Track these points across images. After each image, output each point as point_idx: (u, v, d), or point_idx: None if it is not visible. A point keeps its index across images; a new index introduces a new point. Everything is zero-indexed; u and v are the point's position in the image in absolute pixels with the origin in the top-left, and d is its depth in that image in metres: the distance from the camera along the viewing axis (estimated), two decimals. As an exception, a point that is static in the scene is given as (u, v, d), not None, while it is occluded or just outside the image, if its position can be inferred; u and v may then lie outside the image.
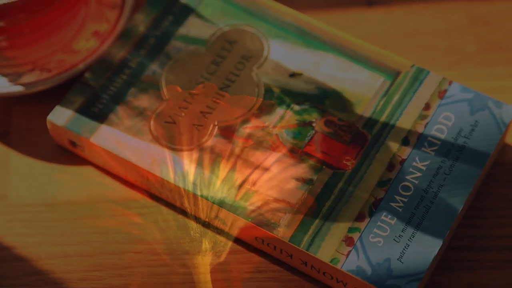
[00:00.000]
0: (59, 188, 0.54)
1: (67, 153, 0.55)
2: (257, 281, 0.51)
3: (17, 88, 0.55)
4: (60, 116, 0.53)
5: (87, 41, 0.57)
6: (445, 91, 0.53)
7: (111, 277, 0.51)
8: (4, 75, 0.56)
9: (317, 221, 0.50)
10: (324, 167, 0.51)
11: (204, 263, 0.51)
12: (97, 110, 0.54)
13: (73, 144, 0.54)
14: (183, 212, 0.53)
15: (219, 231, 0.52)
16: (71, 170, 0.54)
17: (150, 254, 0.51)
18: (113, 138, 0.52)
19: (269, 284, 0.50)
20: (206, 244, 0.51)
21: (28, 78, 0.56)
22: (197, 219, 0.52)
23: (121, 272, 0.51)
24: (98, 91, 0.54)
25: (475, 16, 0.60)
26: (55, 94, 0.56)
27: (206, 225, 0.52)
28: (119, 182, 0.53)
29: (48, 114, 0.54)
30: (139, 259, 0.51)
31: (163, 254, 0.51)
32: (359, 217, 0.50)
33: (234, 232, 0.51)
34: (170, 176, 0.51)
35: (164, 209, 0.53)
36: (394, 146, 0.52)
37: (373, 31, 0.59)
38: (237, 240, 0.52)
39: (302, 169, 0.51)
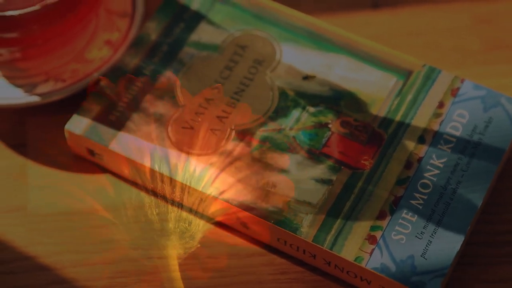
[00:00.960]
0: (78, 197, 0.54)
1: (84, 162, 0.55)
2: (281, 282, 0.51)
3: (33, 99, 0.55)
4: (78, 125, 0.54)
5: (100, 50, 0.57)
6: (458, 89, 0.54)
7: (136, 283, 0.51)
8: (19, 86, 0.56)
9: (339, 220, 0.50)
10: (342, 167, 0.52)
11: (228, 265, 0.51)
12: (114, 118, 0.54)
13: (91, 152, 0.54)
14: (202, 215, 0.53)
15: (241, 234, 0.52)
16: (89, 178, 0.54)
17: (173, 259, 0.51)
18: (132, 145, 0.53)
19: (292, 285, 0.51)
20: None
21: (43, 88, 0.56)
22: (217, 223, 0.53)
23: (146, 277, 0.51)
24: (114, 99, 0.54)
25: (478, 16, 0.61)
26: (69, 104, 0.56)
27: (227, 227, 0.52)
28: (138, 189, 0.54)
29: (63, 123, 0.55)
30: (163, 264, 0.52)
31: (187, 259, 0.51)
32: (380, 216, 0.50)
33: (256, 234, 0.51)
34: (190, 180, 0.51)
35: (184, 214, 0.53)
36: (410, 144, 0.52)
37: (378, 33, 0.60)
38: (259, 242, 0.52)
39: (320, 170, 0.52)
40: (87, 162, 0.55)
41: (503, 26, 0.60)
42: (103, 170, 0.55)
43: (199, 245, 0.51)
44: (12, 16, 0.53)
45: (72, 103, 0.56)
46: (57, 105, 0.57)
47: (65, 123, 0.55)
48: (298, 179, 0.51)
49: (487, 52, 0.59)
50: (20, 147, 0.56)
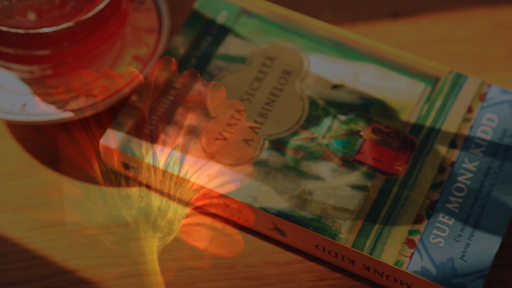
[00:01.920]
0: (114, 211, 0.54)
1: (119, 176, 0.55)
2: (320, 289, 0.52)
3: (66, 115, 0.56)
4: (113, 139, 0.54)
5: (128, 65, 0.58)
6: (485, 94, 0.55)
7: (178, 293, 0.51)
8: (50, 102, 0.57)
9: (377, 225, 0.51)
10: (377, 173, 0.53)
11: (267, 274, 0.52)
12: (148, 132, 0.54)
13: (126, 166, 0.55)
14: (241, 227, 0.53)
15: (277, 242, 0.53)
16: (124, 192, 0.55)
17: (213, 269, 0.52)
18: (168, 157, 0.53)
19: (332, 291, 0.51)
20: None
21: (76, 104, 0.56)
22: (254, 232, 0.53)
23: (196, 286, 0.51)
24: (147, 113, 0.55)
25: (498, 22, 0.61)
26: (100, 119, 0.57)
27: (263, 236, 0.53)
28: (175, 202, 0.54)
29: (92, 138, 0.55)
30: (202, 275, 0.52)
31: (224, 268, 0.52)
32: (418, 220, 0.51)
33: (294, 242, 0.52)
34: (227, 190, 0.52)
35: (219, 224, 0.53)
36: (442, 149, 0.53)
37: (399, 42, 0.61)
38: (295, 250, 0.53)
39: (355, 177, 0.53)
40: (121, 176, 0.55)
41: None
42: (138, 183, 0.55)
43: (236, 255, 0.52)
44: (45, 33, 0.53)
45: (103, 118, 0.57)
46: (88, 121, 0.57)
47: (96, 138, 0.55)
48: (334, 186, 0.52)
49: (510, 58, 0.60)
50: (54, 163, 0.56)
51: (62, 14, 0.54)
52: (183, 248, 0.53)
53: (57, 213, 0.55)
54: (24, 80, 0.58)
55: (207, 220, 0.54)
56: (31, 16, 0.54)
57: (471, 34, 0.61)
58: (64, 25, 0.54)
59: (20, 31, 0.53)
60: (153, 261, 0.52)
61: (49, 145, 0.57)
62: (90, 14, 0.54)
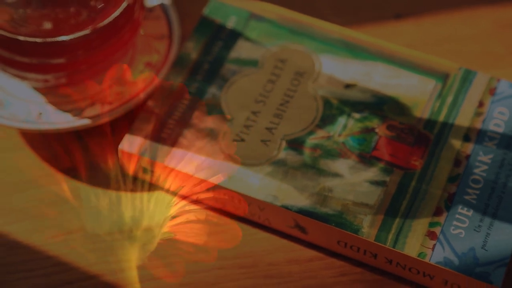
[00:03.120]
0: (133, 215, 0.55)
1: (137, 181, 0.56)
2: (343, 284, 0.52)
3: (84, 122, 0.56)
4: (131, 144, 0.55)
5: (141, 72, 0.59)
6: (495, 88, 0.56)
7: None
8: (66, 111, 0.57)
9: (397, 219, 0.52)
10: (394, 168, 0.54)
11: (289, 271, 0.52)
12: (166, 136, 0.55)
13: (144, 170, 0.55)
14: (260, 226, 0.54)
15: (297, 240, 0.53)
16: (143, 196, 0.55)
17: (235, 268, 0.52)
18: (187, 160, 0.54)
19: (354, 286, 0.52)
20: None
21: (91, 111, 0.57)
22: (272, 230, 0.54)
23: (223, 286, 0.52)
24: (164, 117, 0.56)
25: (500, 21, 0.63)
26: (115, 126, 0.57)
27: (284, 235, 0.54)
28: (194, 204, 0.55)
29: (110, 145, 0.56)
30: (225, 274, 0.53)
31: (246, 267, 0.52)
32: (437, 212, 0.52)
33: (315, 239, 0.53)
34: (248, 190, 0.53)
35: (240, 224, 0.54)
36: (456, 143, 0.54)
37: (404, 42, 0.62)
38: (316, 247, 0.53)
39: (373, 173, 0.53)
40: (139, 181, 0.56)
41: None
42: (156, 187, 0.56)
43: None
44: (62, 41, 0.54)
45: (120, 125, 0.57)
46: (104, 128, 0.58)
47: (111, 145, 0.56)
48: (353, 183, 0.53)
49: (512, 55, 0.61)
50: (71, 171, 0.57)
51: (78, 23, 0.55)
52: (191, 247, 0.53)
53: (77, 220, 0.55)
54: (38, 89, 0.59)
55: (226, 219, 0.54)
56: (47, 25, 0.55)
57: (473, 33, 0.62)
58: (82, 33, 0.54)
59: (38, 40, 0.54)
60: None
61: (65, 153, 0.57)
62: (106, 22, 0.55)
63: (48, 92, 0.58)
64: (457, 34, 0.63)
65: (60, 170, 0.57)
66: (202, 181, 0.53)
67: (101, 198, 0.56)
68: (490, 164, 0.53)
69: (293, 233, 0.54)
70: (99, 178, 0.56)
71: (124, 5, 0.55)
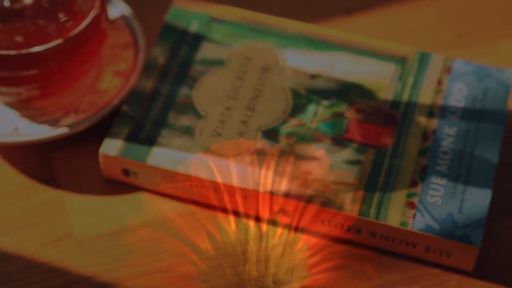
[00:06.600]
0: (119, 217, 0.56)
1: (117, 184, 0.57)
2: (327, 261, 0.54)
3: (61, 130, 0.57)
4: (112, 147, 0.56)
5: (111, 81, 0.60)
6: (451, 67, 0.60)
7: (196, 284, 0.53)
8: (41, 122, 0.58)
9: (377, 194, 0.54)
10: (367, 148, 0.56)
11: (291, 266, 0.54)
12: (144, 136, 0.57)
13: (126, 172, 0.56)
14: (244, 215, 0.56)
15: (288, 227, 0.55)
16: (126, 198, 0.57)
17: (228, 256, 0.54)
18: (168, 158, 0.56)
19: (340, 261, 0.54)
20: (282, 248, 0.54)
21: (66, 121, 0.58)
22: (260, 219, 0.56)
23: (206, 277, 0.53)
24: (140, 119, 0.57)
25: (443, 9, 0.67)
26: (89, 135, 0.58)
27: (272, 223, 0.56)
28: (176, 201, 0.56)
29: (87, 153, 0.57)
30: (216, 267, 0.54)
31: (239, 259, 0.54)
32: (413, 184, 0.55)
33: (301, 221, 0.55)
34: (232, 180, 0.54)
35: (223, 216, 0.56)
36: (422, 119, 0.57)
37: (358, 34, 0.65)
38: (301, 229, 0.55)
39: (348, 153, 0.56)
40: (120, 184, 0.57)
41: (466, 16, 0.66)
42: (139, 188, 0.57)
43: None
44: (35, 52, 0.55)
45: (94, 132, 0.59)
46: (78, 137, 0.59)
47: (89, 152, 0.57)
48: (330, 164, 0.55)
49: (458, 38, 0.64)
50: (51, 181, 0.57)
51: (48, 34, 0.56)
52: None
53: (64, 227, 0.56)
54: (11, 104, 0.59)
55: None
56: (18, 38, 0.56)
57: (421, 22, 0.66)
58: (54, 43, 0.56)
59: (12, 52, 0.55)
60: None
61: (43, 165, 0.58)
62: (77, 31, 0.56)
63: (21, 106, 0.59)
64: (407, 24, 0.66)
65: (40, 181, 0.58)
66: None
67: (85, 204, 0.57)
68: (455, 136, 0.57)
69: (278, 219, 0.56)
70: (80, 185, 0.57)
71: (92, 15, 0.57)
